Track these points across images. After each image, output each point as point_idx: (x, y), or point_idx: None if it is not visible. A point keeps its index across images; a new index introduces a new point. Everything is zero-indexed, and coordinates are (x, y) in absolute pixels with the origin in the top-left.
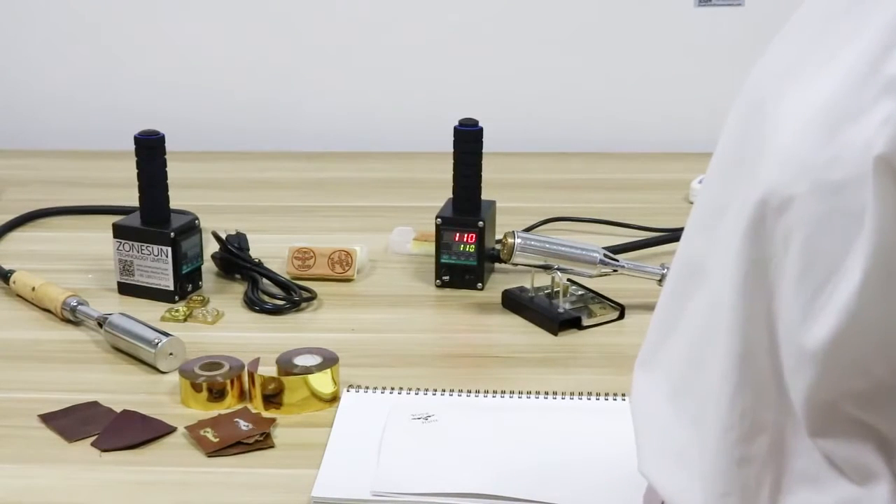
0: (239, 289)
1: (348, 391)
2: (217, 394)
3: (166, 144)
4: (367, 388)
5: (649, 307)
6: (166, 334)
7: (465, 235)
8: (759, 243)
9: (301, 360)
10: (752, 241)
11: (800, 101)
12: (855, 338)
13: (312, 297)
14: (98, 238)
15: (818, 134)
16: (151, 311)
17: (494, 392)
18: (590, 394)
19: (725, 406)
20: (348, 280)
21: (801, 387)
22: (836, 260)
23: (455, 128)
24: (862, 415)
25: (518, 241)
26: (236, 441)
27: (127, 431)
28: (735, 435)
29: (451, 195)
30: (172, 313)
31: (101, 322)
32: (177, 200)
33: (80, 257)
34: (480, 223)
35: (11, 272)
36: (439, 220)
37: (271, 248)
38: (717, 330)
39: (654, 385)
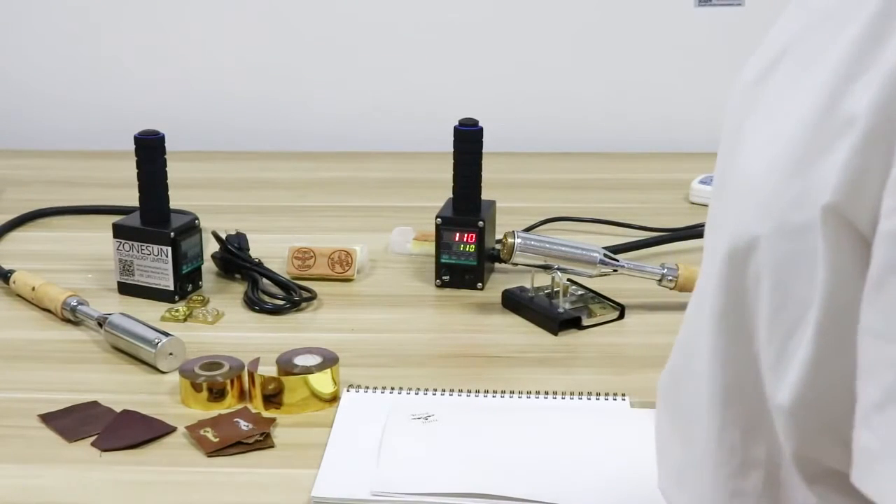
0: (239, 289)
1: (348, 391)
2: (217, 394)
3: (166, 144)
4: (367, 388)
5: (649, 307)
6: (166, 334)
7: (465, 235)
8: (734, 280)
9: (301, 360)
10: (727, 277)
11: (767, 131)
12: (820, 398)
13: (312, 297)
14: (98, 238)
15: (782, 171)
16: (151, 311)
17: (494, 392)
18: (590, 394)
19: (714, 441)
20: (348, 280)
21: (783, 437)
22: (801, 308)
23: (455, 128)
24: (848, 472)
25: (518, 241)
26: (236, 441)
27: (127, 431)
28: (727, 470)
29: (451, 195)
30: (172, 313)
31: (101, 322)
32: (177, 200)
33: (80, 257)
34: (480, 223)
35: (11, 272)
36: (439, 220)
37: (271, 248)
38: (700, 360)
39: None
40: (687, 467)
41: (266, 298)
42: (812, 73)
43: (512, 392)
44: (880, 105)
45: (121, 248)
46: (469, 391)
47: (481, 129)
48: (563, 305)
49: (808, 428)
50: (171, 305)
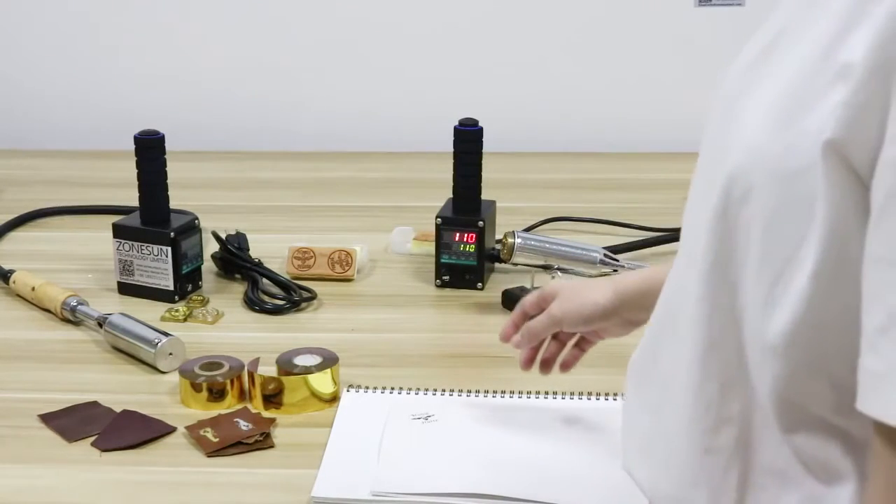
0: (239, 289)
1: (348, 391)
2: (217, 394)
3: (166, 144)
4: (367, 388)
5: None
6: (166, 334)
7: (465, 235)
8: (724, 234)
9: (301, 360)
10: (717, 231)
11: (761, 92)
12: (812, 332)
13: (312, 297)
14: (98, 238)
15: (775, 123)
16: (151, 311)
17: (494, 392)
18: (590, 394)
19: (690, 397)
20: (348, 280)
21: (767, 381)
22: (792, 250)
23: (455, 128)
24: (831, 418)
25: (518, 241)
26: (236, 441)
27: (127, 431)
28: (700, 426)
29: (451, 195)
30: (172, 313)
31: (101, 322)
32: (177, 200)
33: (80, 257)
34: (480, 223)
35: (11, 272)
36: (439, 220)
37: (271, 248)
38: (680, 320)
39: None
40: (654, 435)
41: (266, 298)
42: (803, 40)
43: (512, 392)
44: (878, 46)
45: (121, 248)
46: (469, 391)
47: (481, 129)
48: None
49: (797, 368)
50: (171, 305)
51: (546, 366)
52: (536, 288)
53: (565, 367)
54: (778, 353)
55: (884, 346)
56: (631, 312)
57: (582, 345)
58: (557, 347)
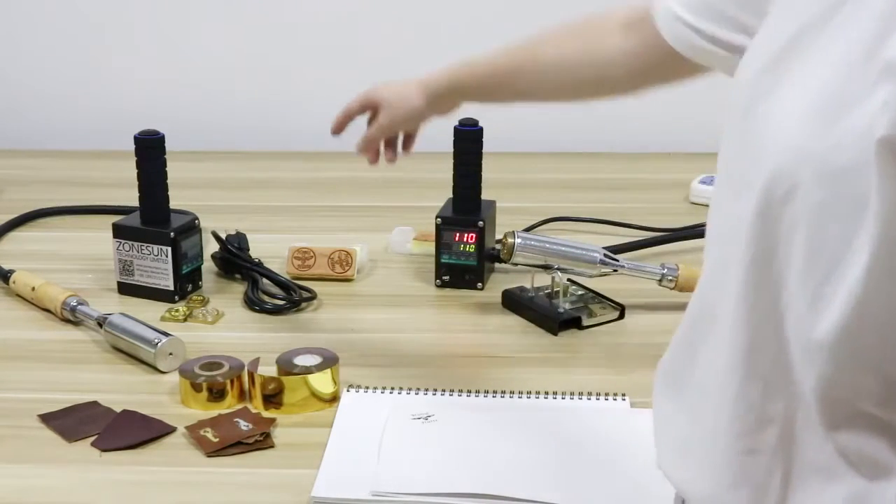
0: (239, 289)
1: (348, 391)
2: (217, 394)
3: (166, 144)
4: (367, 388)
5: (649, 307)
6: (166, 334)
7: (465, 235)
8: (765, 232)
9: (301, 360)
10: (757, 231)
11: (792, 92)
12: (863, 329)
13: (312, 297)
14: (98, 238)
15: (817, 121)
16: (151, 311)
17: (494, 392)
18: (590, 394)
19: (731, 398)
20: (348, 280)
21: (811, 379)
22: (842, 247)
23: (455, 128)
24: (878, 412)
25: (518, 241)
26: (236, 441)
27: (127, 431)
28: (741, 426)
29: (451, 195)
30: (172, 313)
31: (101, 322)
32: (177, 200)
33: (80, 257)
34: (480, 223)
35: (11, 272)
36: (439, 219)
37: (271, 248)
38: (719, 321)
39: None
40: (692, 437)
41: (266, 298)
42: (839, 39)
43: (512, 392)
44: None
45: (121, 248)
46: (469, 391)
47: (481, 129)
48: (563, 305)
49: (845, 365)
50: (171, 305)
51: (390, 157)
52: (537, 288)
53: (407, 148)
54: (825, 351)
55: None
56: (443, 106)
57: (407, 140)
58: (390, 141)
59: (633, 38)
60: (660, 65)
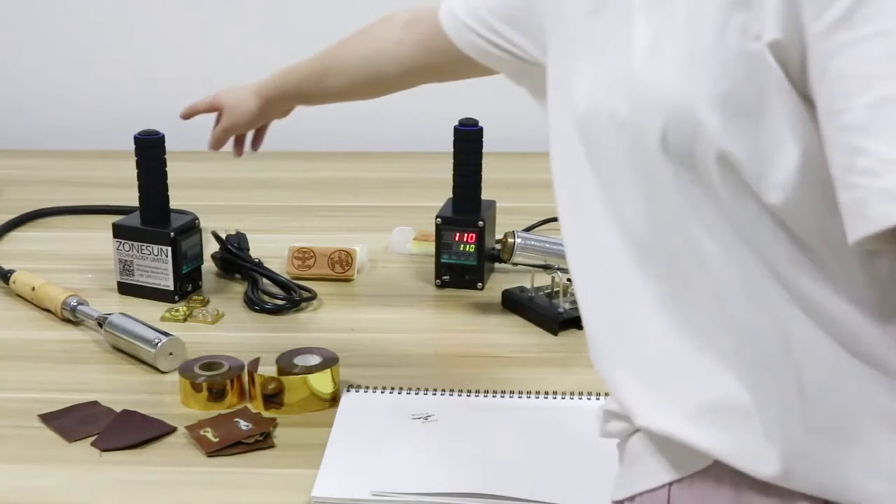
0: (239, 289)
1: (348, 391)
2: (217, 394)
3: (166, 144)
4: (367, 388)
5: None
6: (166, 334)
7: (465, 235)
8: (684, 157)
9: (301, 360)
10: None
11: (646, 46)
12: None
13: (312, 297)
14: (98, 238)
15: (692, 65)
16: (151, 311)
17: (494, 392)
18: (590, 394)
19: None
20: (348, 280)
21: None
22: (772, 144)
23: (455, 128)
24: None
25: (518, 241)
26: (236, 441)
27: (127, 431)
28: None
29: (451, 195)
30: (172, 313)
31: (101, 322)
32: (177, 200)
33: (80, 257)
34: (480, 223)
35: (11, 272)
36: (439, 219)
37: (271, 248)
38: (696, 268)
39: None
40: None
41: (266, 298)
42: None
43: (512, 392)
44: None
45: (121, 248)
46: (469, 391)
47: (481, 129)
48: (563, 305)
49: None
50: (171, 305)
51: (237, 153)
52: (537, 288)
53: (255, 146)
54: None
55: (852, 179)
56: (276, 109)
57: (256, 137)
58: (239, 138)
59: (409, 38)
60: (435, 64)
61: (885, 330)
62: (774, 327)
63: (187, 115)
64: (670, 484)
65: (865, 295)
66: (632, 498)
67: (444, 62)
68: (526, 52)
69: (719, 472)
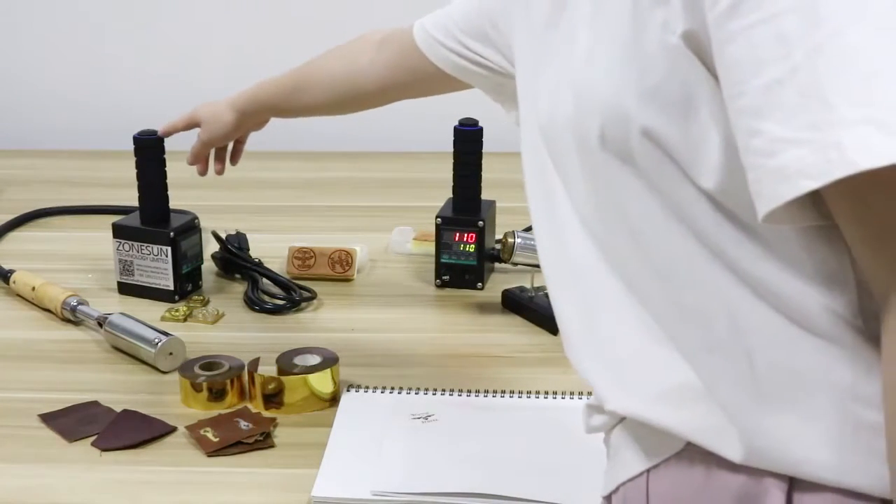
0: (239, 289)
1: (348, 391)
2: (217, 394)
3: (166, 144)
4: (367, 388)
5: None
6: (166, 334)
7: (465, 235)
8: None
9: (301, 360)
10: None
11: (579, 53)
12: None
13: (312, 297)
14: (98, 238)
15: (618, 64)
16: (151, 311)
17: (494, 392)
18: (590, 394)
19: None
20: (348, 280)
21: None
22: (700, 133)
23: (455, 128)
24: None
25: (518, 240)
26: (236, 441)
27: (127, 431)
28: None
29: (451, 195)
30: (172, 313)
31: (101, 322)
32: (177, 200)
33: (80, 257)
34: (480, 223)
35: (11, 272)
36: (439, 219)
37: (271, 248)
38: (649, 246)
39: None
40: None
41: (266, 298)
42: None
43: (512, 392)
44: None
45: (121, 248)
46: (469, 391)
47: (481, 129)
48: None
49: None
50: (171, 305)
51: (218, 168)
52: (537, 288)
53: (234, 160)
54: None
55: (751, 160)
56: (252, 122)
57: (235, 150)
58: (220, 152)
59: (384, 56)
60: (412, 80)
61: (832, 300)
62: (724, 310)
63: (166, 134)
64: (648, 471)
65: (809, 270)
66: (616, 490)
67: (421, 78)
68: (498, 64)
69: (691, 454)
